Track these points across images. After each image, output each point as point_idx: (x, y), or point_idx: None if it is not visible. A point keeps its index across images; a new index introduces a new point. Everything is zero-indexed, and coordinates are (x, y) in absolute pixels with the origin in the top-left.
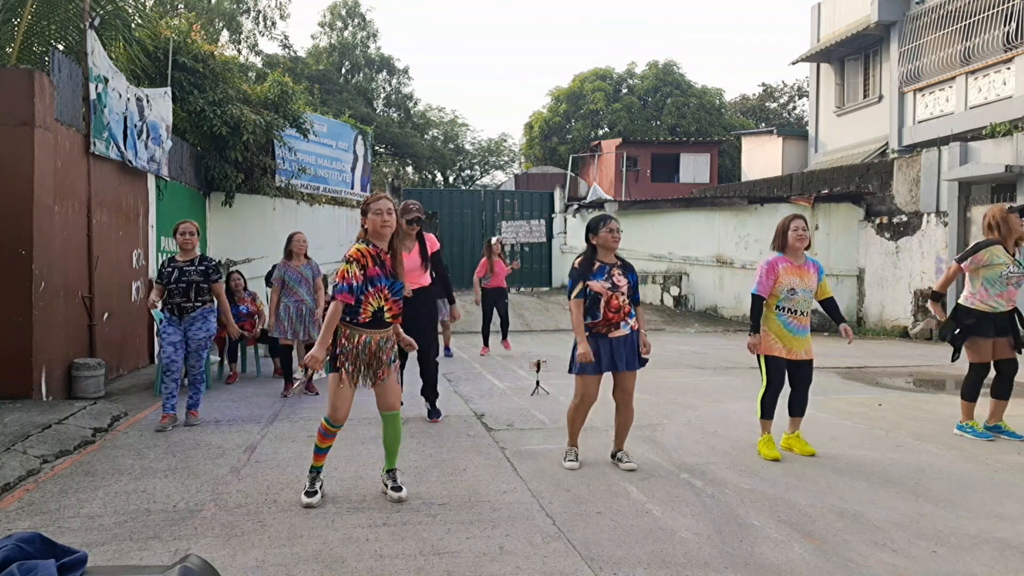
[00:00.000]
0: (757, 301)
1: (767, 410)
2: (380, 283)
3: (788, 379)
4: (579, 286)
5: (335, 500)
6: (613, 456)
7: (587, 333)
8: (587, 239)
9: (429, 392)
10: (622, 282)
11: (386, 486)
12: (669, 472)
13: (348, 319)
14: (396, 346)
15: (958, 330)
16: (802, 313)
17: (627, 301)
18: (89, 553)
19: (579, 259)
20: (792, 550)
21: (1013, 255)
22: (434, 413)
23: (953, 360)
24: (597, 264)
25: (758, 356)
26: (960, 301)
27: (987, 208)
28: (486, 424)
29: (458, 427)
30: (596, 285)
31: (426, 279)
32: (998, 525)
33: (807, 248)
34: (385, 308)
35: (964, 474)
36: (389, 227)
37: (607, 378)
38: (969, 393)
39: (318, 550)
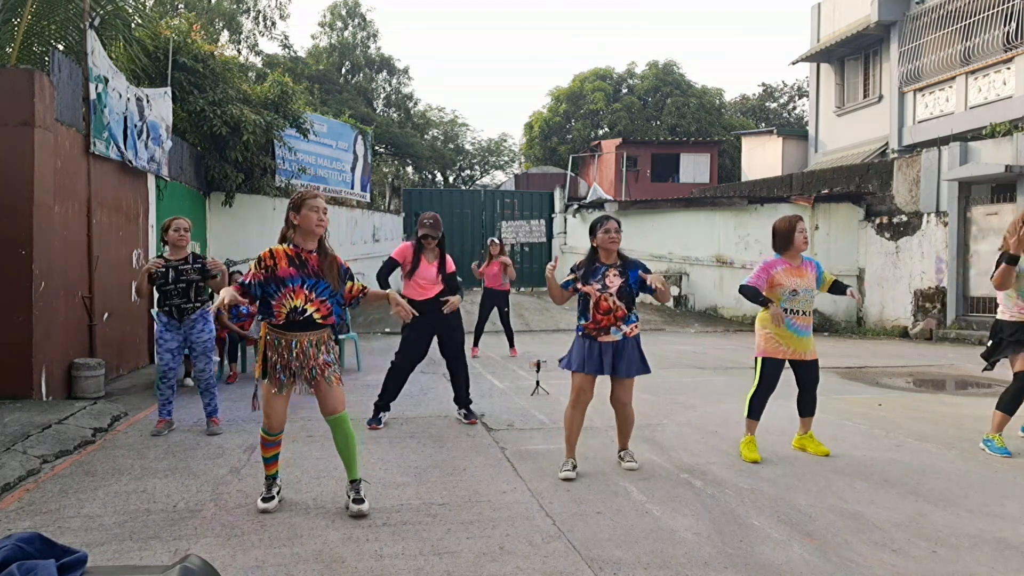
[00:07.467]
0: (748, 290)
1: (754, 410)
2: (293, 283)
3: (796, 381)
4: (569, 276)
5: (335, 500)
6: (619, 454)
7: (579, 334)
8: (591, 240)
9: (464, 396)
10: (614, 283)
11: (348, 497)
12: (669, 472)
13: (266, 319)
14: (330, 349)
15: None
16: (804, 313)
17: (617, 303)
18: (89, 553)
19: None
20: (792, 550)
21: None
22: (470, 415)
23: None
24: (596, 265)
25: (755, 358)
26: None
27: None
28: (486, 424)
29: (458, 427)
30: (588, 287)
31: (437, 289)
32: (998, 525)
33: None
34: (309, 309)
35: (964, 474)
36: (323, 227)
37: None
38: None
39: (318, 550)
